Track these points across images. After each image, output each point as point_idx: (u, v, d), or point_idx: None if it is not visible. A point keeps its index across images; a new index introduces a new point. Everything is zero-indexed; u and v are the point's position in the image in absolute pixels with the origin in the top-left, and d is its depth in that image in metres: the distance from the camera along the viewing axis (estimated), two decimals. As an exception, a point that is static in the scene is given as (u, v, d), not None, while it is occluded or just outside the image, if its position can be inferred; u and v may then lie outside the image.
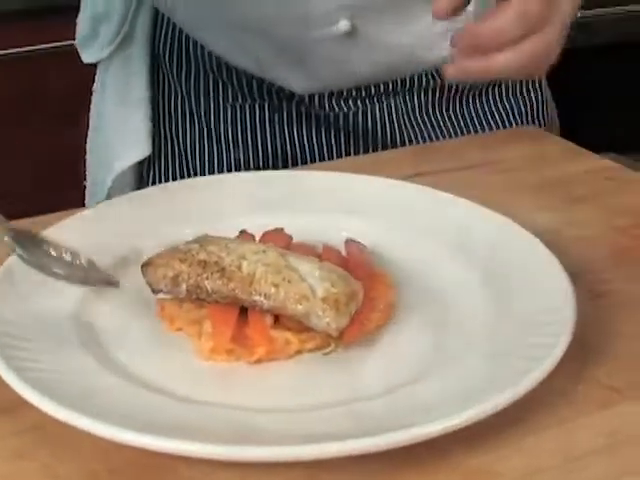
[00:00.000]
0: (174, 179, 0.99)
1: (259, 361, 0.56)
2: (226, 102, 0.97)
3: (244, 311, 0.57)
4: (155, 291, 0.59)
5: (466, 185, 0.75)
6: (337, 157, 0.98)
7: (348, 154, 0.98)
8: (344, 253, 0.64)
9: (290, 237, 0.65)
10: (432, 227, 0.68)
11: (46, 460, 0.50)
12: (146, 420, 0.49)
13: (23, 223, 0.67)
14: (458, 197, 0.71)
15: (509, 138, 0.92)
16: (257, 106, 0.97)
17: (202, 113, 0.98)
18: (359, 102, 0.96)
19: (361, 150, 0.98)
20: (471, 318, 0.59)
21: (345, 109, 0.96)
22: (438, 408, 0.50)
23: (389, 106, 0.97)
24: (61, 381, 0.51)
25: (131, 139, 0.99)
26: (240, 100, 0.97)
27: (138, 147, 0.99)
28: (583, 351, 0.58)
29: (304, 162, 0.97)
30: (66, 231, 0.64)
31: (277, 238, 0.64)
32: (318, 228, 0.67)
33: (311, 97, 0.94)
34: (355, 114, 0.96)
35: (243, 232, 0.65)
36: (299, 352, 0.57)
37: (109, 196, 1.00)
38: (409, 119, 0.98)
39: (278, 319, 0.57)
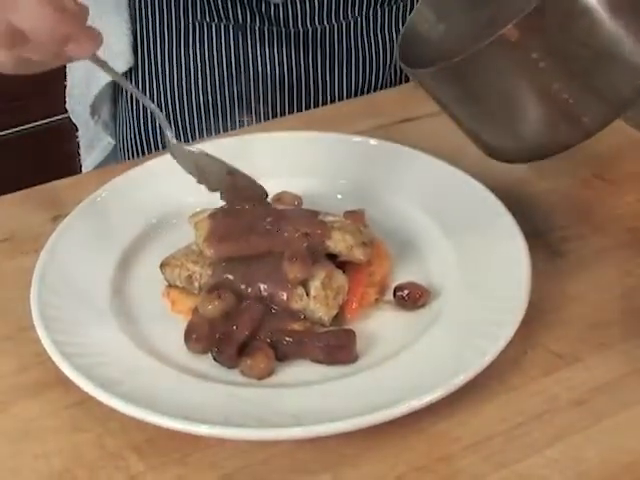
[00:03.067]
0: (151, 94, 1.03)
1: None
2: (195, 20, 1.00)
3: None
4: (172, 286, 0.69)
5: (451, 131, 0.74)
6: (312, 77, 1.01)
7: (324, 74, 1.01)
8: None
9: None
10: (397, 184, 0.78)
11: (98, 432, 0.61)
12: (172, 402, 0.60)
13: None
14: (421, 152, 0.79)
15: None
16: (230, 27, 0.99)
17: (173, 30, 1.01)
18: (339, 16, 0.98)
19: (336, 71, 1.01)
20: (439, 295, 0.69)
21: (321, 25, 0.99)
22: (413, 388, 0.60)
23: (368, 19, 1.00)
24: (101, 363, 0.62)
25: (114, 49, 1.01)
26: (208, 19, 0.99)
27: (121, 58, 1.02)
28: (534, 314, 0.66)
29: (274, 81, 1.01)
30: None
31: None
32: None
33: (285, 10, 0.97)
34: (331, 31, 1.00)
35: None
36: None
37: (93, 107, 1.06)
38: (390, 34, 1.02)
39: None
